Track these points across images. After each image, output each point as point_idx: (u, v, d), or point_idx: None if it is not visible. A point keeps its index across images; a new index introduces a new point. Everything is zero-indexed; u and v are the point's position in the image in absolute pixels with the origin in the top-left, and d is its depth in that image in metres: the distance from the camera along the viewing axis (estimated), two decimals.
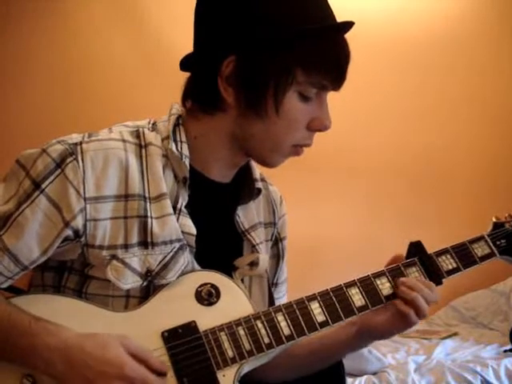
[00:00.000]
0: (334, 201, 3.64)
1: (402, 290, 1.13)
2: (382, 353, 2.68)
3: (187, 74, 1.16)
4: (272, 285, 1.30)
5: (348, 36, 1.11)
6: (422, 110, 3.67)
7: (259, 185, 1.23)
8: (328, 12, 1.10)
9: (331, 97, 1.12)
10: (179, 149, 1.10)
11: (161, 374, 0.99)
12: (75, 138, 1.06)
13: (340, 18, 1.10)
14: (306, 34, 1.05)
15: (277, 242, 1.31)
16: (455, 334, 3.18)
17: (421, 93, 3.67)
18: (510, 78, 3.73)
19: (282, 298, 1.34)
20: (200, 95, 1.13)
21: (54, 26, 3.50)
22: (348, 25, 1.10)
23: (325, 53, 1.06)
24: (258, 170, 1.24)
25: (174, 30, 3.25)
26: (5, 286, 1.02)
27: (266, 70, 1.06)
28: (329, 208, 3.62)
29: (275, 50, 1.05)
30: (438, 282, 1.17)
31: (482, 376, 2.46)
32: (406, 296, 1.12)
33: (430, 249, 1.20)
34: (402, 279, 1.14)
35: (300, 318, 1.08)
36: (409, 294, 1.12)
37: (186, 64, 1.14)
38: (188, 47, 1.14)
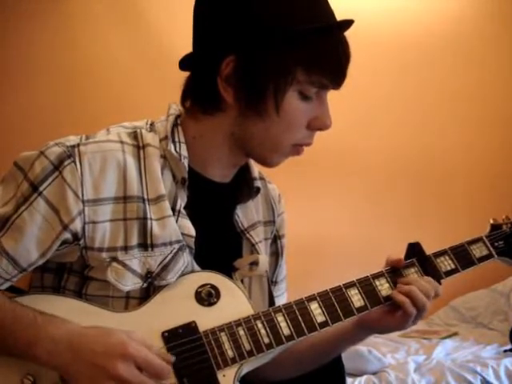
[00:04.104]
0: (334, 201, 3.64)
1: (399, 285, 1.15)
2: (381, 353, 2.68)
3: (187, 74, 1.15)
4: (271, 283, 1.30)
5: (347, 35, 1.10)
6: (422, 110, 3.68)
7: (258, 183, 1.23)
8: (328, 11, 1.09)
9: (331, 96, 1.12)
10: (178, 149, 1.10)
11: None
12: (73, 139, 1.06)
13: (339, 17, 1.10)
14: (306, 33, 1.05)
15: (275, 239, 1.31)
16: (455, 334, 3.18)
17: (420, 92, 3.67)
18: (509, 78, 3.73)
19: (282, 295, 1.34)
20: (199, 95, 1.12)
21: (55, 26, 3.50)
22: (348, 23, 1.10)
23: (325, 51, 1.06)
24: (256, 168, 1.24)
25: (174, 29, 3.24)
26: (4, 287, 1.02)
27: (265, 69, 1.05)
28: (329, 208, 3.63)
29: (275, 49, 1.05)
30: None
31: (482, 376, 2.46)
32: (402, 288, 1.13)
33: (430, 249, 1.20)
34: (401, 279, 1.16)
35: (300, 318, 1.08)
36: (404, 286, 1.13)
37: (185, 64, 1.14)
38: (188, 47, 1.14)
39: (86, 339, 0.96)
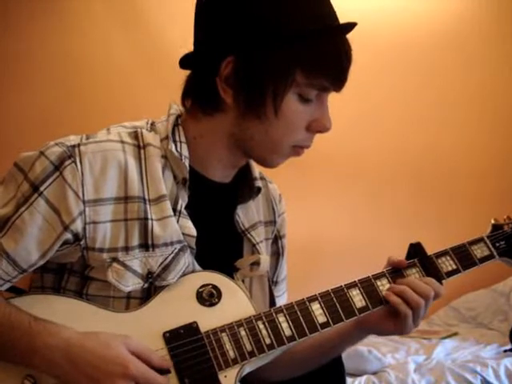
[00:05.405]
0: (334, 201, 3.63)
1: (392, 285, 1.14)
2: (381, 353, 2.68)
3: (187, 74, 1.15)
4: (272, 283, 1.30)
5: (348, 35, 1.09)
6: (422, 111, 3.67)
7: (259, 183, 1.23)
8: (329, 12, 1.08)
9: (331, 96, 1.11)
10: (178, 149, 1.10)
11: (163, 370, 0.99)
12: (73, 139, 1.06)
13: (340, 17, 1.09)
14: (306, 35, 1.04)
15: (276, 239, 1.31)
16: (455, 334, 3.18)
17: (420, 93, 3.67)
18: (509, 78, 3.73)
19: (282, 295, 1.34)
20: (199, 95, 1.12)
21: (54, 25, 3.50)
22: (350, 26, 1.09)
23: (326, 54, 1.05)
24: (257, 168, 1.24)
25: (174, 30, 3.25)
26: (4, 288, 1.02)
27: (265, 70, 1.05)
28: (329, 209, 3.62)
29: (275, 50, 1.04)
30: None
31: (482, 376, 2.46)
32: (395, 289, 1.12)
33: (430, 249, 1.20)
34: (398, 279, 1.15)
35: (301, 318, 1.08)
36: (397, 286, 1.13)
37: (185, 62, 1.14)
38: (188, 47, 1.13)
39: (83, 350, 0.95)
